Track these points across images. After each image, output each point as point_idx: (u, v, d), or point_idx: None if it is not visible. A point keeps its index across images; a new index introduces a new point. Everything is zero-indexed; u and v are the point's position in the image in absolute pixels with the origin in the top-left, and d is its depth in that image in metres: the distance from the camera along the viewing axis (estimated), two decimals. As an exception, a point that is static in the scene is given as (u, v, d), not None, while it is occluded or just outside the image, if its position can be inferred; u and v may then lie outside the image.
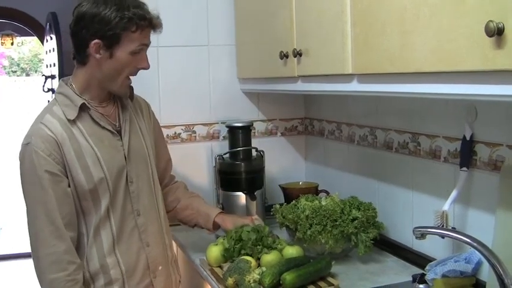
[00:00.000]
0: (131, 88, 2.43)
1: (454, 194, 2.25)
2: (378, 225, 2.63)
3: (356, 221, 2.56)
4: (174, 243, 2.83)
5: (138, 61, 2.25)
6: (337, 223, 2.54)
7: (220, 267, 2.58)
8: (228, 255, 2.58)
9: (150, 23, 2.23)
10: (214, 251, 2.62)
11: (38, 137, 2.18)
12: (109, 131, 2.31)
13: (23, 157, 2.20)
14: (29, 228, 2.22)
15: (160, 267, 2.43)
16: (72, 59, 2.32)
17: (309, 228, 2.55)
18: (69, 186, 2.20)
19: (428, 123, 2.52)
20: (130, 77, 2.31)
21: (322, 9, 2.35)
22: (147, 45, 2.27)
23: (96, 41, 2.18)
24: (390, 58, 1.91)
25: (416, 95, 1.89)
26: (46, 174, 2.15)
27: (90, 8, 2.17)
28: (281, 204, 2.82)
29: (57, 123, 2.21)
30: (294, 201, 2.80)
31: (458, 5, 1.57)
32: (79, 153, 2.21)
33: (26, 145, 2.19)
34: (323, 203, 2.70)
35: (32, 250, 2.21)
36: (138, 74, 2.33)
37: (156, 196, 2.47)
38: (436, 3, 1.67)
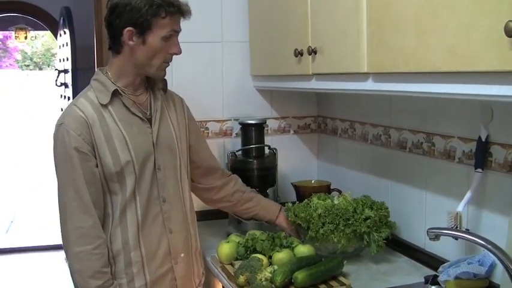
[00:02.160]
0: (165, 81, 2.51)
1: (468, 195, 2.24)
2: (390, 224, 2.61)
3: (369, 220, 2.54)
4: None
5: (170, 46, 2.34)
6: (350, 222, 2.53)
7: (232, 264, 2.58)
8: (240, 253, 2.57)
9: (179, 9, 2.31)
10: (226, 248, 2.61)
11: (71, 117, 2.29)
12: (139, 117, 2.38)
13: (56, 136, 2.31)
14: (58, 202, 2.30)
15: (182, 255, 2.47)
16: (108, 49, 2.42)
17: (322, 227, 2.53)
18: (96, 166, 2.29)
19: (443, 123, 2.50)
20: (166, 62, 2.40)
21: (337, 7, 2.34)
22: (177, 31, 2.36)
23: (129, 28, 2.27)
24: (406, 57, 1.90)
25: (432, 94, 1.87)
26: (75, 152, 2.24)
27: None
28: (293, 203, 2.81)
29: (90, 106, 2.31)
30: (306, 200, 2.78)
31: (477, 4, 1.55)
32: (108, 136, 2.29)
33: (59, 125, 2.30)
34: (335, 201, 2.69)
35: (60, 224, 2.30)
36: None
37: (182, 187, 2.51)
38: (454, 2, 1.65)
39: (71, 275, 2.30)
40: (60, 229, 2.28)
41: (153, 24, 2.26)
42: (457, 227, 2.23)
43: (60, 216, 2.30)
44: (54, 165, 2.31)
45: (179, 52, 2.38)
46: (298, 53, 2.66)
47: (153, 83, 2.48)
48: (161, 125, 2.43)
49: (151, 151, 2.37)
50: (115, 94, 2.34)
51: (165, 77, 2.48)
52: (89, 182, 2.26)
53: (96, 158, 2.28)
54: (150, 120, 2.40)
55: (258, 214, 2.83)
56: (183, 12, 2.33)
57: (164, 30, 2.28)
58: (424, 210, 2.62)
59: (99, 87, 2.36)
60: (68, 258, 2.29)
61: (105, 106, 2.31)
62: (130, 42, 2.29)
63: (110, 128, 2.29)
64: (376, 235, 2.54)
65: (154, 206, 2.38)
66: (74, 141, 2.24)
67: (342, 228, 2.52)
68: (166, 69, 2.41)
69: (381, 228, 2.56)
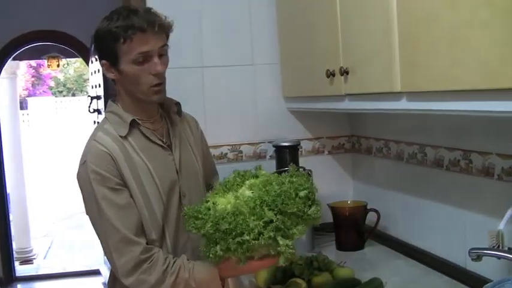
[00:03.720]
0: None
1: (509, 212, 2.19)
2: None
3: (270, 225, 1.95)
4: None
5: (151, 67, 2.18)
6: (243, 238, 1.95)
7: (270, 289, 2.55)
8: (278, 277, 2.55)
9: (139, 29, 2.12)
10: (264, 273, 2.58)
11: (93, 154, 2.20)
12: (160, 146, 2.31)
13: (81, 176, 2.22)
14: (101, 243, 2.21)
15: None
16: None
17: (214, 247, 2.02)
18: (131, 196, 2.20)
19: (480, 140, 2.46)
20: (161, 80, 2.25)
21: (368, 27, 2.32)
22: (146, 51, 2.15)
23: (103, 61, 2.22)
24: (440, 76, 1.88)
25: (468, 112, 1.85)
26: (106, 189, 2.15)
27: (98, 26, 2.20)
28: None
29: (110, 139, 2.22)
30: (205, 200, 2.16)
31: (511, 20, 1.53)
32: (133, 168, 2.21)
33: (83, 164, 2.21)
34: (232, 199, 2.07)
35: (109, 261, 2.21)
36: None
37: None
38: (487, 20, 1.63)
39: None
40: (111, 266, 2.21)
41: (118, 52, 2.14)
42: (498, 246, 2.19)
43: (106, 255, 2.21)
44: (84, 206, 2.23)
45: (159, 70, 2.18)
46: (330, 74, 2.64)
47: (167, 108, 2.41)
48: (182, 150, 2.38)
49: (176, 179, 2.31)
50: (132, 124, 2.26)
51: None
52: (126, 214, 2.17)
53: (127, 188, 2.19)
54: (170, 147, 2.34)
55: None
56: (144, 29, 2.12)
57: (130, 56, 2.14)
58: (464, 229, 2.58)
59: (115, 119, 2.28)
60: (129, 286, 2.18)
61: (124, 138, 2.24)
62: (110, 75, 2.23)
63: (133, 160, 2.22)
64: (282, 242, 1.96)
65: (183, 235, 2.31)
66: (100, 178, 2.15)
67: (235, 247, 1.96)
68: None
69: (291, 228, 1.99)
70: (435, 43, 1.88)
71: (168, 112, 2.41)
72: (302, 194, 1.97)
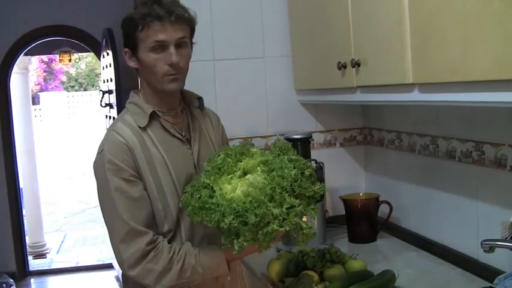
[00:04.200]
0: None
1: (522, 204, 2.19)
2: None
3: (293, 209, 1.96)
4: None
5: (166, 57, 2.18)
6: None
7: (282, 281, 2.56)
8: (290, 270, 2.55)
9: (156, 17, 2.13)
10: (276, 265, 2.59)
11: (111, 144, 2.20)
12: (179, 139, 2.31)
13: (97, 165, 2.22)
14: (108, 231, 2.22)
15: (229, 278, 2.38)
16: None
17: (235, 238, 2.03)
18: (145, 189, 2.20)
19: (492, 131, 2.45)
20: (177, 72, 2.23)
21: (379, 18, 2.32)
22: (161, 41, 2.16)
23: (124, 49, 2.24)
24: (452, 67, 1.87)
25: (480, 103, 1.85)
26: (120, 180, 2.16)
27: (125, 14, 2.23)
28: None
29: (129, 130, 2.23)
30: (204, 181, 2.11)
31: (524, 11, 1.53)
32: (149, 160, 2.21)
33: (100, 153, 2.22)
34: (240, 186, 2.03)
35: (114, 253, 2.20)
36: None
37: None
38: (499, 9, 1.62)
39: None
40: (116, 259, 2.20)
41: (137, 39, 2.17)
42: (511, 237, 2.19)
43: (112, 245, 2.20)
44: (97, 195, 2.24)
45: (174, 61, 2.17)
46: (342, 66, 2.64)
47: (189, 102, 2.41)
48: (201, 144, 2.37)
49: (193, 173, 2.30)
50: (152, 116, 2.27)
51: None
52: (139, 206, 2.17)
53: (142, 181, 2.20)
54: (189, 141, 2.34)
55: None
56: (161, 18, 2.14)
57: (147, 43, 2.16)
58: (477, 220, 2.57)
59: (135, 109, 2.29)
60: (134, 277, 2.18)
61: (143, 129, 2.24)
62: (132, 63, 2.25)
63: (150, 151, 2.22)
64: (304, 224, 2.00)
65: (199, 230, 2.29)
66: (116, 168, 2.16)
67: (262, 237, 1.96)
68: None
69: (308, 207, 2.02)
70: (447, 34, 1.88)
71: (189, 106, 2.41)
72: (307, 172, 1.99)
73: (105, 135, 2.28)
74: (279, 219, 1.89)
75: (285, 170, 1.96)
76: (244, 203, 1.90)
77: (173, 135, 2.29)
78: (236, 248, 1.95)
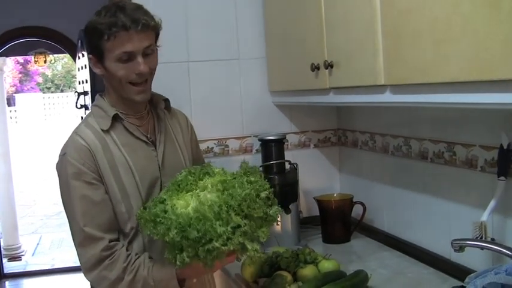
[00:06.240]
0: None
1: (492, 204, 2.21)
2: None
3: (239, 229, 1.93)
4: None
5: (133, 66, 2.16)
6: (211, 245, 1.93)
7: (256, 282, 2.56)
8: (264, 270, 2.56)
9: (123, 27, 2.09)
10: (250, 267, 2.59)
11: (73, 147, 2.20)
12: (143, 141, 2.30)
13: (60, 167, 2.22)
14: (71, 232, 2.22)
15: (194, 280, 2.34)
16: None
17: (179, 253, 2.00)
18: (106, 192, 2.20)
19: (463, 132, 2.48)
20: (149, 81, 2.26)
21: (352, 20, 2.33)
22: (130, 51, 2.13)
23: (89, 56, 2.22)
24: (423, 68, 1.88)
25: (451, 105, 1.87)
26: (82, 184, 2.15)
27: (88, 20, 2.19)
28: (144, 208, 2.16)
29: (91, 133, 2.22)
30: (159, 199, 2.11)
31: (493, 13, 1.54)
32: (112, 163, 2.21)
33: (62, 156, 2.21)
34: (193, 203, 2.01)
35: (77, 253, 2.21)
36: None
37: None
38: (468, 12, 1.64)
39: None
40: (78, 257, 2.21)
41: (103, 48, 2.13)
42: (482, 237, 2.21)
43: (75, 247, 2.21)
44: (60, 196, 2.22)
45: (142, 70, 2.16)
46: (315, 67, 2.65)
47: (156, 104, 2.40)
48: (166, 146, 2.36)
49: (158, 176, 2.29)
50: (115, 119, 2.25)
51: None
52: (99, 210, 2.17)
53: (104, 185, 2.19)
54: (154, 143, 2.33)
55: None
56: (127, 28, 2.09)
57: (113, 54, 2.12)
58: (449, 220, 2.59)
59: (99, 112, 2.27)
60: (91, 282, 2.22)
61: (107, 132, 2.23)
62: (97, 70, 2.22)
63: (113, 154, 2.21)
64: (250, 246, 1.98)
65: None
66: (77, 171, 2.15)
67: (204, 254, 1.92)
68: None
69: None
70: (418, 36, 1.89)
71: (156, 108, 2.40)
72: (263, 195, 1.98)
73: (69, 138, 2.27)
74: (223, 238, 1.88)
75: (237, 190, 1.94)
76: (191, 218, 1.90)
77: (137, 138, 2.29)
78: (178, 262, 1.94)
